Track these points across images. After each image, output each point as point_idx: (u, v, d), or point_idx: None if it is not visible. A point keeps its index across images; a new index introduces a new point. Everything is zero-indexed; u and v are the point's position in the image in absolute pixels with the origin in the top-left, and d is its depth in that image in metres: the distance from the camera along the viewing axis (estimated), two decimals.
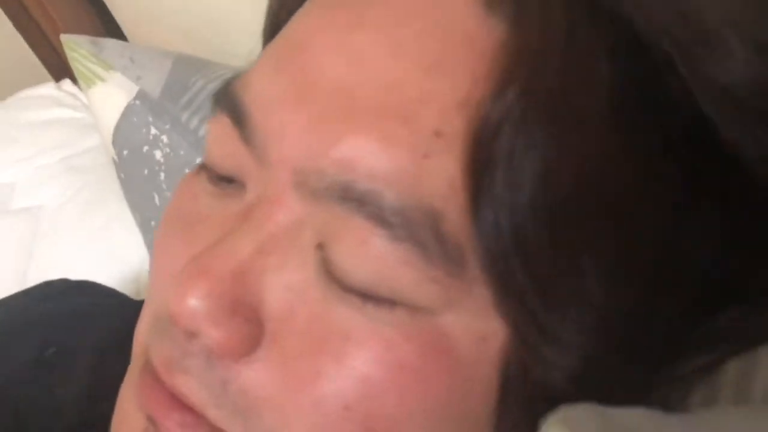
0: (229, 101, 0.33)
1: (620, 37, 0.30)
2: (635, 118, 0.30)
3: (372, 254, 0.31)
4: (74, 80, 1.00)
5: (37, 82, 1.09)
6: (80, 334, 0.53)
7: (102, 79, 0.66)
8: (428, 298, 0.31)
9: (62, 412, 0.46)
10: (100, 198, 0.92)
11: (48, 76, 1.16)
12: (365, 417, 0.32)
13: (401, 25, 0.30)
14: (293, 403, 0.32)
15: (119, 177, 0.71)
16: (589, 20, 0.30)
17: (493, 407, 0.33)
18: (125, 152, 0.67)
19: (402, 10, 0.31)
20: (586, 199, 0.30)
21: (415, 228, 0.30)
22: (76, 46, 0.69)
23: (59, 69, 1.08)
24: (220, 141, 0.35)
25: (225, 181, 0.35)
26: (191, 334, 0.33)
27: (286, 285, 0.33)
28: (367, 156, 0.30)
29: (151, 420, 0.34)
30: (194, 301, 0.32)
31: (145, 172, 0.69)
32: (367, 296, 0.31)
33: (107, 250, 0.91)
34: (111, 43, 0.70)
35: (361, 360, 0.32)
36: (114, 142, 0.68)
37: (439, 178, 0.30)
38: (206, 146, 0.36)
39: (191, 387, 0.33)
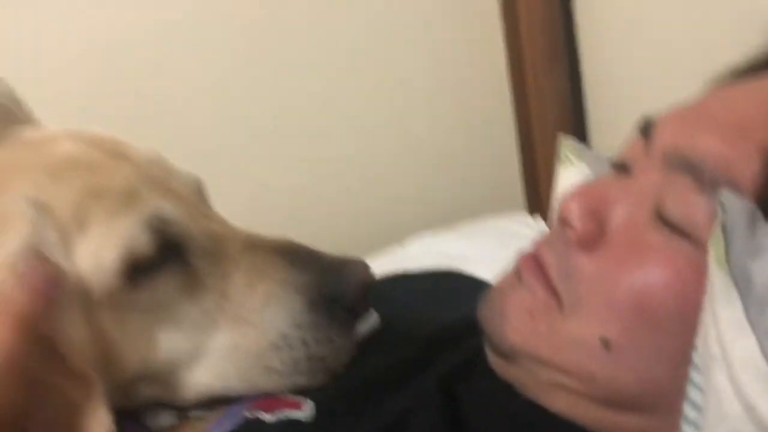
0: (647, 124, 0.53)
1: None
2: None
3: (687, 201, 0.46)
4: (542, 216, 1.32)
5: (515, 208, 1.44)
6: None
7: (572, 164, 0.97)
8: (708, 236, 0.43)
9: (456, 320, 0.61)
10: None
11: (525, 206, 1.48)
12: (641, 301, 0.45)
13: (752, 96, 0.49)
14: (601, 281, 0.47)
15: None
16: None
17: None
18: None
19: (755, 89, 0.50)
20: None
21: (719, 190, 0.44)
22: (566, 142, 1.03)
23: (534, 204, 1.43)
24: (630, 146, 0.54)
25: (622, 170, 0.52)
26: (565, 223, 0.49)
27: (627, 214, 0.48)
28: (708, 146, 0.46)
29: (517, 273, 0.53)
30: (573, 203, 0.49)
31: None
32: (674, 228, 0.46)
33: None
34: (587, 149, 1.02)
35: (655, 265, 0.46)
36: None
37: (748, 168, 0.45)
38: (620, 152, 0.55)
39: (548, 256, 0.50)
